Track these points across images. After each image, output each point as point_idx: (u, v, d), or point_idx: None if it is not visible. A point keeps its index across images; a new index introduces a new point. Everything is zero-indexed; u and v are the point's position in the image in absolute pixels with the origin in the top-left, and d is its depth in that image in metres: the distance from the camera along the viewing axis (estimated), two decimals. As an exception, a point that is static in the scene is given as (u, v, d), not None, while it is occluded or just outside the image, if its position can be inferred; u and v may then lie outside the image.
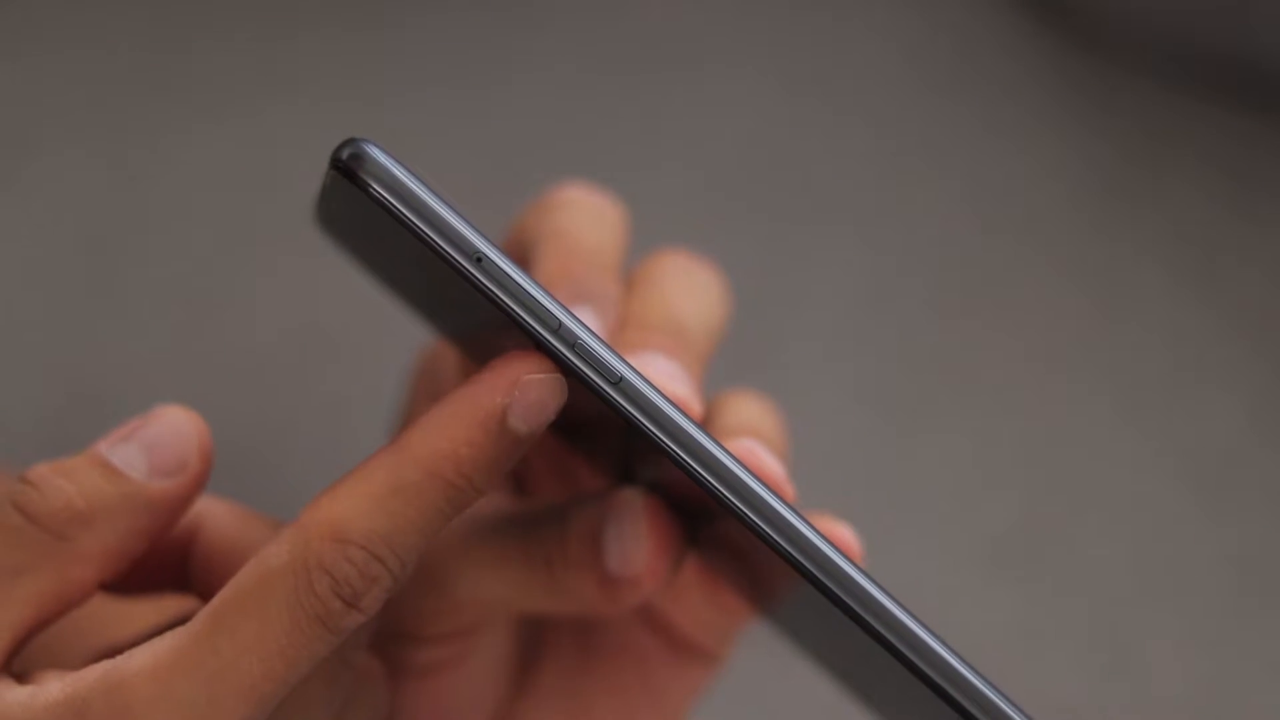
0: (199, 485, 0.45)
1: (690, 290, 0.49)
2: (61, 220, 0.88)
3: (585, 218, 0.49)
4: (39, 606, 0.43)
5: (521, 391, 0.41)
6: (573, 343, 0.40)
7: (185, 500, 0.45)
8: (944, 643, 0.40)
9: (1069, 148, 0.90)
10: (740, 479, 0.40)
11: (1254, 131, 0.89)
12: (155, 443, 0.44)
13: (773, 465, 0.45)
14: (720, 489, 0.40)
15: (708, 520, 0.44)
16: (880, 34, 0.93)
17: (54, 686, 0.41)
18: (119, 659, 0.41)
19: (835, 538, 0.46)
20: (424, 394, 0.53)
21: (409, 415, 0.53)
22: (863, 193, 0.90)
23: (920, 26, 0.93)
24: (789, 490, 0.45)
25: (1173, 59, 0.90)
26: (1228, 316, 0.87)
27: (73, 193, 0.88)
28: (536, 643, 0.53)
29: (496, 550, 0.48)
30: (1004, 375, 0.86)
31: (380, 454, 0.42)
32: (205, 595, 0.47)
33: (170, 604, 0.50)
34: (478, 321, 0.42)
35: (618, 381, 0.40)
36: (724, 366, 0.56)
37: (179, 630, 0.41)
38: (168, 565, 0.48)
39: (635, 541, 0.46)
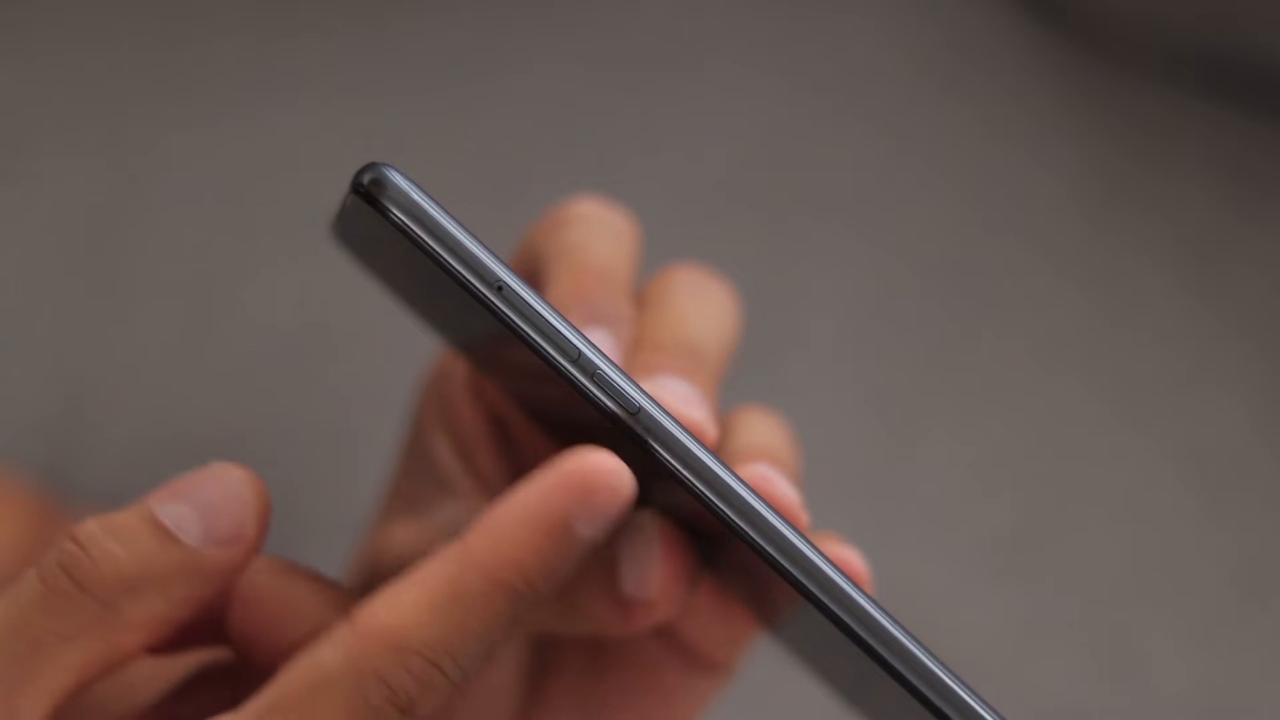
0: (255, 553, 0.43)
1: (703, 308, 0.49)
2: (61, 220, 0.88)
3: (597, 234, 0.49)
4: (82, 673, 0.42)
5: (590, 497, 0.40)
6: (592, 372, 0.40)
7: (239, 569, 0.43)
8: (954, 674, 0.41)
9: (1069, 148, 0.90)
10: (757, 512, 0.41)
11: (1254, 132, 0.89)
12: (211, 507, 0.42)
13: (787, 492, 0.45)
14: (738, 521, 0.41)
15: (720, 542, 0.45)
16: (880, 34, 0.93)
17: None
18: None
19: (844, 564, 0.46)
20: (433, 415, 0.52)
21: (417, 435, 0.53)
22: (863, 193, 0.90)
23: (921, 27, 0.93)
24: (802, 517, 0.45)
25: (1173, 59, 0.90)
26: (1228, 317, 0.87)
27: (73, 193, 0.88)
28: (548, 655, 0.53)
29: None
30: (1004, 376, 0.87)
31: (442, 559, 0.41)
32: (239, 649, 0.46)
33: (201, 658, 0.49)
34: (494, 343, 0.42)
35: (636, 412, 0.40)
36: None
37: None
38: (203, 618, 0.48)
39: (650, 566, 0.45)
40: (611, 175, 0.89)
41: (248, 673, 0.47)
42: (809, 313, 0.87)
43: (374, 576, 0.51)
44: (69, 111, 0.90)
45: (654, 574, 0.45)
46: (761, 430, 0.49)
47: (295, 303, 0.87)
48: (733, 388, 0.52)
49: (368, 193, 0.39)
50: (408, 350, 0.70)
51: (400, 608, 0.40)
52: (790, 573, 0.40)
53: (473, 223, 0.41)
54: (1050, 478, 0.84)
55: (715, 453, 0.41)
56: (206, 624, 0.46)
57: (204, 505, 0.42)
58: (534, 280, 0.49)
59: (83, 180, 0.88)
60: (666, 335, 0.47)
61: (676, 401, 0.45)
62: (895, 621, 0.41)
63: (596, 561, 0.46)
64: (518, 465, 0.53)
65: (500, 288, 0.40)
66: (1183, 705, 0.80)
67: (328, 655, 0.40)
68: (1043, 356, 0.87)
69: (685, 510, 0.44)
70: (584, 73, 0.92)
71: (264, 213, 0.88)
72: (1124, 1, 0.90)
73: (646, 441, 0.40)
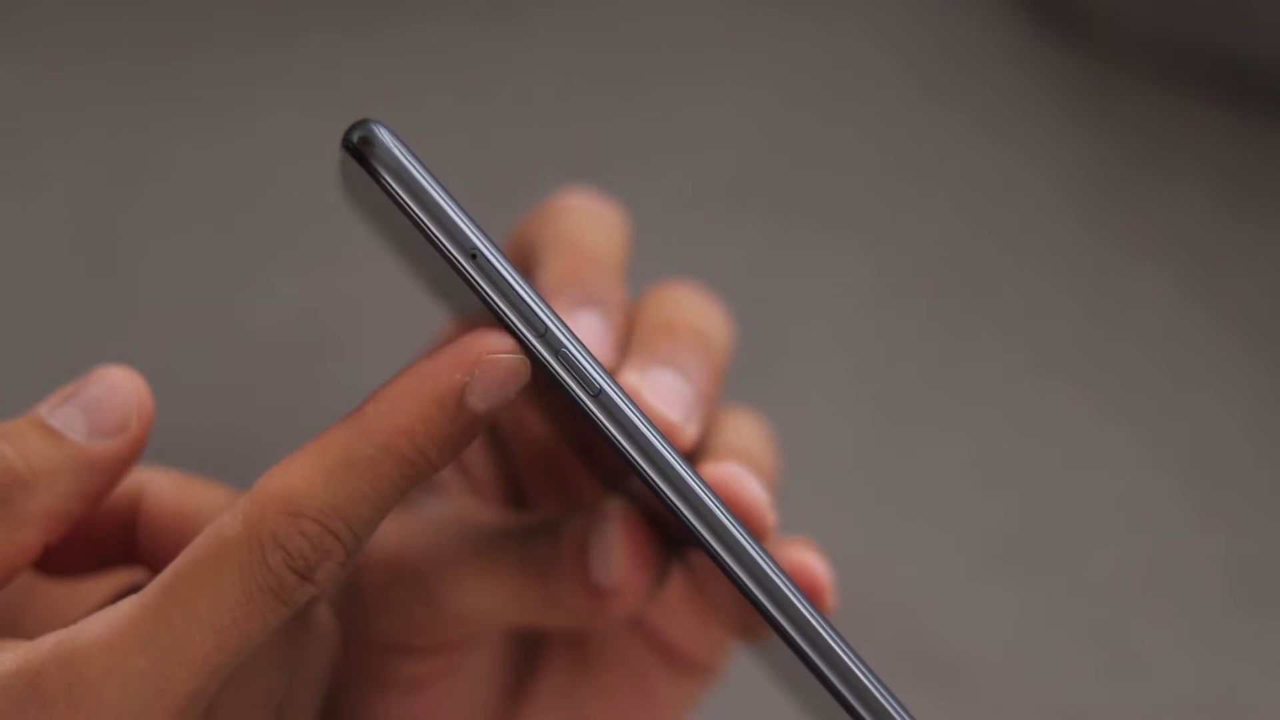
0: (140, 445, 0.45)
1: (705, 310, 0.50)
2: (61, 220, 0.88)
3: (589, 222, 0.49)
4: None
5: (482, 370, 0.41)
6: (557, 349, 0.40)
7: (126, 461, 0.44)
8: (890, 693, 0.40)
9: (1067, 150, 0.90)
10: (704, 501, 0.41)
11: (1253, 133, 0.89)
12: (94, 404, 0.44)
13: (755, 490, 0.45)
14: (678, 505, 0.40)
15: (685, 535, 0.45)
16: (877, 38, 0.93)
17: (6, 656, 0.41)
18: (72, 629, 0.41)
19: (800, 568, 0.46)
20: None
21: None
22: (860, 197, 0.90)
23: (917, 30, 0.93)
24: (769, 516, 0.45)
25: (1172, 60, 0.90)
26: (1226, 319, 0.87)
27: (72, 193, 0.88)
28: (532, 655, 0.53)
29: (492, 562, 0.48)
30: (1002, 377, 0.87)
31: (336, 427, 0.41)
32: (154, 566, 0.47)
33: (119, 579, 0.50)
34: (475, 313, 0.42)
35: (596, 394, 0.40)
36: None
37: (131, 600, 0.41)
38: (113, 540, 0.48)
39: (614, 551, 0.46)
40: (608, 180, 0.89)
41: None
42: (806, 316, 0.87)
43: (361, 572, 0.51)
44: (70, 114, 0.90)
45: (617, 560, 0.46)
46: (741, 431, 0.49)
47: (295, 303, 0.87)
48: (728, 389, 0.52)
49: (355, 149, 0.40)
50: (407, 350, 0.70)
51: (296, 473, 0.41)
52: (725, 562, 0.40)
53: (475, 217, 0.41)
54: (1047, 479, 0.85)
55: (668, 440, 0.41)
56: (121, 546, 0.47)
57: (87, 403, 0.44)
58: (527, 269, 0.49)
59: (83, 182, 0.88)
60: (676, 316, 0.48)
61: (663, 392, 0.45)
62: (815, 611, 0.40)
63: (572, 550, 0.46)
64: (504, 459, 0.53)
65: (475, 255, 0.40)
66: (1180, 705, 0.80)
67: (227, 524, 0.41)
68: (1040, 358, 0.87)
69: (644, 498, 0.44)
70: (582, 77, 0.92)
71: (263, 214, 0.89)
72: (1121, 2, 0.90)
73: (601, 423, 0.40)
